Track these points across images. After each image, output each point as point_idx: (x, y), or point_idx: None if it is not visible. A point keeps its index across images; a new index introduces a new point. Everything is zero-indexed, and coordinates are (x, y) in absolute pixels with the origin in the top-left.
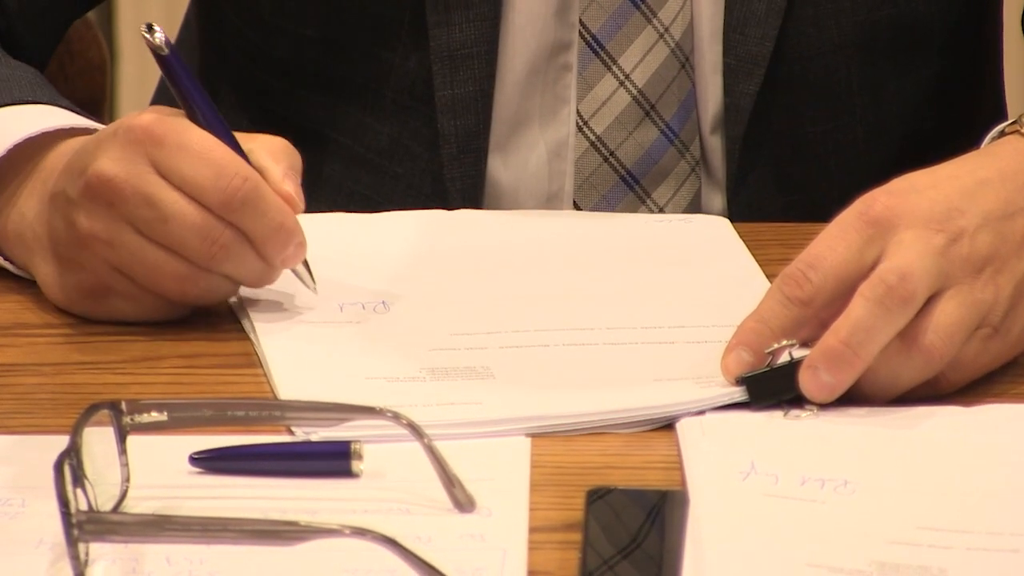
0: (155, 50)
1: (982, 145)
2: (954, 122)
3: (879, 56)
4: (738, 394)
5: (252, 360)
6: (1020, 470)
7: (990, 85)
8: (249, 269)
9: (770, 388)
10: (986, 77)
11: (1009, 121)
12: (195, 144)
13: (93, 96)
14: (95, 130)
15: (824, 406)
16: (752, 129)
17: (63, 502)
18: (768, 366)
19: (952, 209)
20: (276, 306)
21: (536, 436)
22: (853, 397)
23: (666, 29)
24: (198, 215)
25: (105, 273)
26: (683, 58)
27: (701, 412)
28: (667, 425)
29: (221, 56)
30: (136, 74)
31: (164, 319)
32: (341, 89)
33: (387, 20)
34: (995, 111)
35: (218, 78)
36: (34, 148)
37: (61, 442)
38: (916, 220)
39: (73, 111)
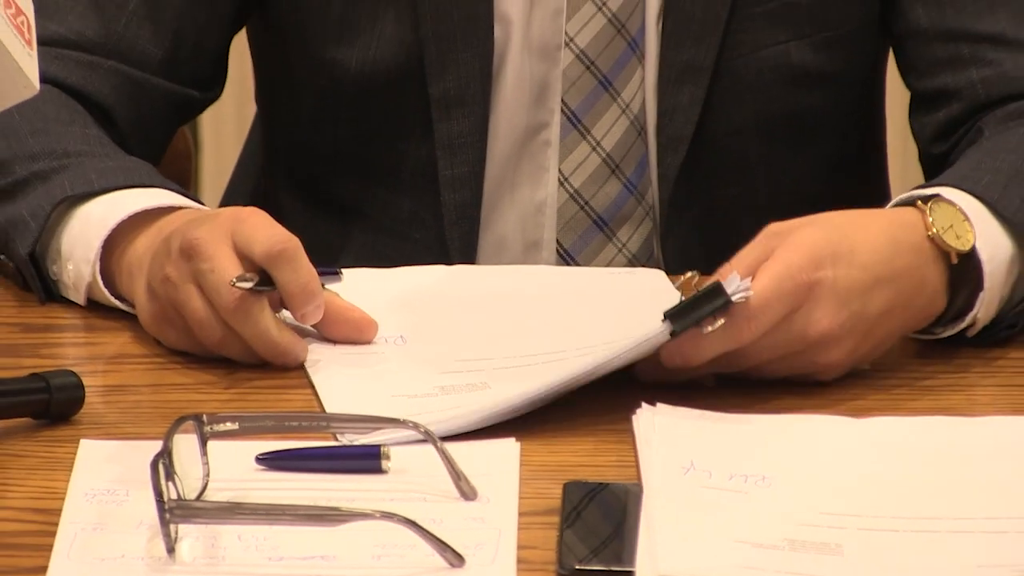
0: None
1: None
2: (845, 187)
3: (776, 138)
4: (666, 327)
5: (304, 383)
6: (896, 466)
7: (875, 160)
8: (255, 327)
9: (690, 315)
10: (872, 153)
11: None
12: (263, 219)
13: (181, 179)
14: (197, 204)
15: (746, 412)
16: (678, 191)
17: (158, 492)
18: (682, 299)
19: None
20: (320, 340)
21: (524, 440)
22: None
23: (627, 105)
24: (234, 270)
25: (167, 308)
26: (639, 128)
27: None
28: (627, 433)
29: (278, 153)
30: (214, 161)
31: (207, 355)
32: (369, 174)
33: (402, 118)
34: (879, 180)
35: (276, 170)
36: (152, 215)
37: (156, 446)
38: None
39: (184, 194)
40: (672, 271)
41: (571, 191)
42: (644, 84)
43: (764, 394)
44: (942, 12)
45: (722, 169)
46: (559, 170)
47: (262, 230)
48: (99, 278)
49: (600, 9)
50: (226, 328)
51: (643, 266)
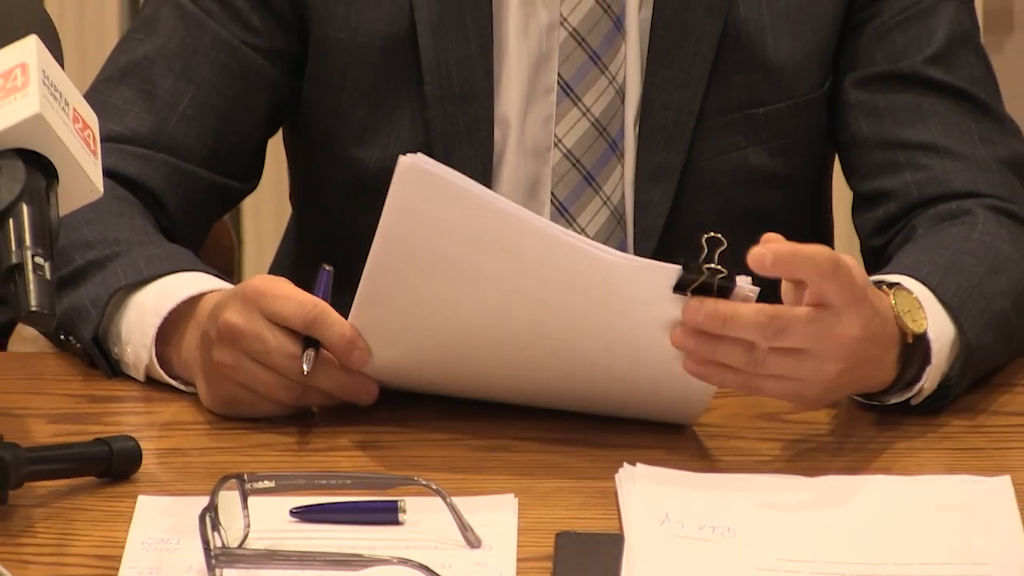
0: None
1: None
2: None
3: (737, 230)
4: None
5: (331, 445)
6: (845, 519)
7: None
8: (333, 381)
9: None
10: (820, 243)
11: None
12: (283, 291)
13: (226, 269)
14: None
15: (714, 472)
16: None
17: (205, 541)
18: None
19: None
20: None
21: (521, 496)
22: None
23: (608, 198)
24: (291, 345)
25: (233, 388)
26: (619, 217)
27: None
28: (611, 490)
29: (308, 242)
30: (255, 254)
31: (278, 415)
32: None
33: None
34: None
35: (307, 259)
36: (196, 301)
37: (204, 501)
38: None
39: (217, 276)
40: None
41: None
42: (624, 180)
43: (729, 456)
44: (881, 124)
45: (689, 254)
46: None
47: (288, 302)
48: (155, 362)
49: (584, 114)
50: (303, 385)
51: None
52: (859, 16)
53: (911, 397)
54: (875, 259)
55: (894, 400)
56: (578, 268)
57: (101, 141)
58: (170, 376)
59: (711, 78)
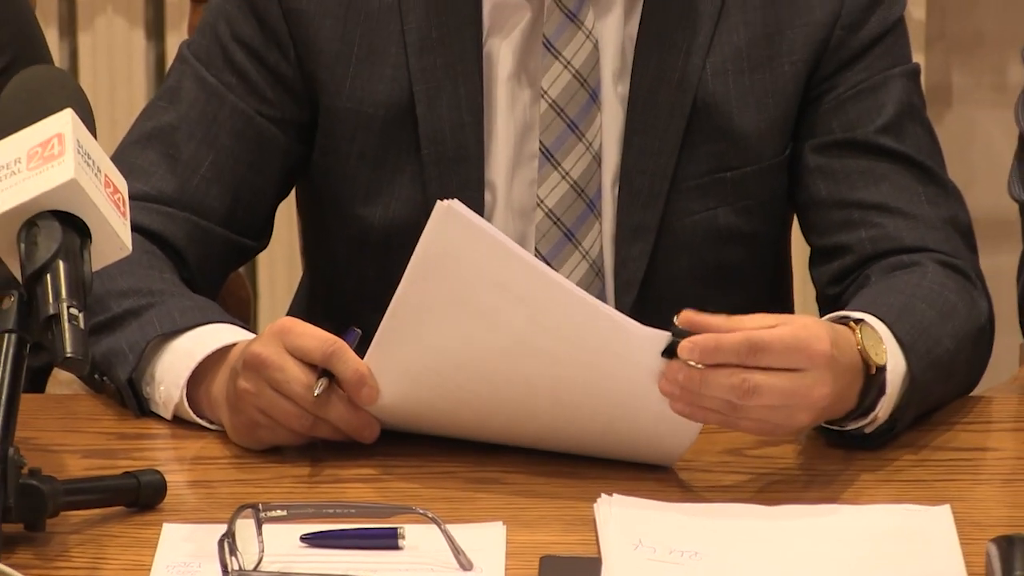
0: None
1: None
2: None
3: (708, 283)
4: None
5: (338, 478)
6: (798, 543)
7: (783, 299)
8: (340, 415)
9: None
10: (781, 293)
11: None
12: (306, 329)
13: (242, 319)
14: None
15: (682, 502)
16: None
17: (223, 565)
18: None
19: None
20: None
21: (509, 524)
22: None
23: (587, 252)
24: (307, 377)
25: (253, 414)
26: (597, 270)
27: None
28: (590, 517)
29: (318, 295)
30: (270, 306)
31: (296, 444)
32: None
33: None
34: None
35: (317, 310)
36: (227, 350)
37: (223, 529)
38: None
39: (244, 327)
40: None
41: None
42: (601, 236)
43: (697, 487)
44: (838, 186)
45: (665, 307)
46: None
47: (310, 338)
48: (185, 401)
49: (564, 178)
50: (314, 416)
51: None
52: (817, 90)
53: (866, 425)
54: (830, 307)
55: (852, 426)
56: (583, 322)
57: (129, 200)
58: (197, 415)
59: (683, 147)
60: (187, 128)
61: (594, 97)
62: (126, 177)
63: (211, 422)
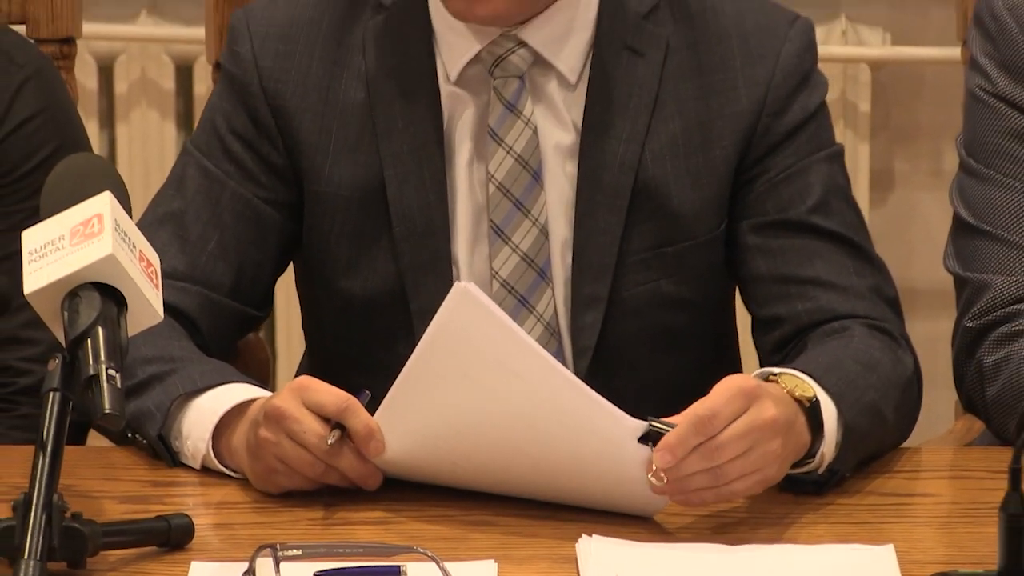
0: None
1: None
2: (708, 382)
3: (655, 347)
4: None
5: (348, 520)
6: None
7: (729, 360)
8: (349, 464)
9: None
10: (727, 354)
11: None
12: (323, 387)
13: (263, 378)
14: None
15: (655, 543)
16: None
17: None
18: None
19: None
20: None
21: (500, 562)
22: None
23: (541, 315)
24: (321, 430)
25: (272, 461)
26: (552, 331)
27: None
28: (572, 556)
29: (315, 357)
30: (287, 367)
31: (309, 489)
32: (373, 368)
33: (394, 326)
34: (733, 372)
35: (315, 371)
36: (246, 405)
37: (244, 566)
38: None
39: (258, 386)
40: None
41: None
42: (555, 300)
43: (667, 529)
44: (775, 263)
45: (617, 368)
46: None
47: (325, 394)
48: (211, 452)
49: (514, 251)
50: (326, 464)
51: None
52: (749, 173)
53: (815, 468)
54: None
55: (807, 468)
56: (572, 402)
57: None
58: (221, 464)
59: (626, 225)
60: (193, 212)
61: (536, 177)
62: None
63: (233, 470)
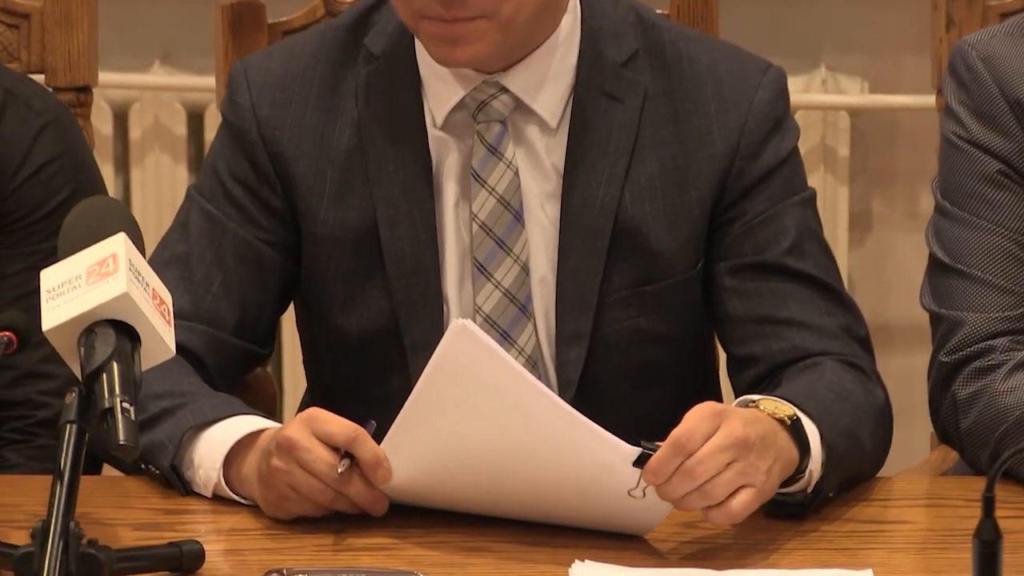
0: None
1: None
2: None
3: (636, 381)
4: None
5: (352, 547)
6: None
7: (710, 394)
8: (357, 491)
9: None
10: (707, 388)
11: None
12: (331, 416)
13: (270, 410)
14: (278, 425)
15: (644, 568)
16: None
17: None
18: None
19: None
20: None
21: None
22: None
23: (522, 349)
24: (331, 459)
25: (283, 488)
26: (533, 364)
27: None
28: None
29: (314, 391)
30: (294, 402)
31: (319, 515)
32: (369, 400)
33: (388, 360)
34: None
35: (316, 403)
36: (255, 436)
37: None
38: None
39: (264, 416)
40: None
41: None
42: (536, 334)
43: (657, 554)
44: (751, 304)
45: (600, 401)
46: None
47: (334, 425)
48: (222, 481)
49: (496, 287)
50: (335, 491)
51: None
52: (725, 216)
53: (806, 487)
54: None
55: (797, 486)
56: (567, 430)
57: None
58: (232, 491)
59: (607, 264)
60: (197, 254)
61: (518, 217)
62: None
63: (244, 497)
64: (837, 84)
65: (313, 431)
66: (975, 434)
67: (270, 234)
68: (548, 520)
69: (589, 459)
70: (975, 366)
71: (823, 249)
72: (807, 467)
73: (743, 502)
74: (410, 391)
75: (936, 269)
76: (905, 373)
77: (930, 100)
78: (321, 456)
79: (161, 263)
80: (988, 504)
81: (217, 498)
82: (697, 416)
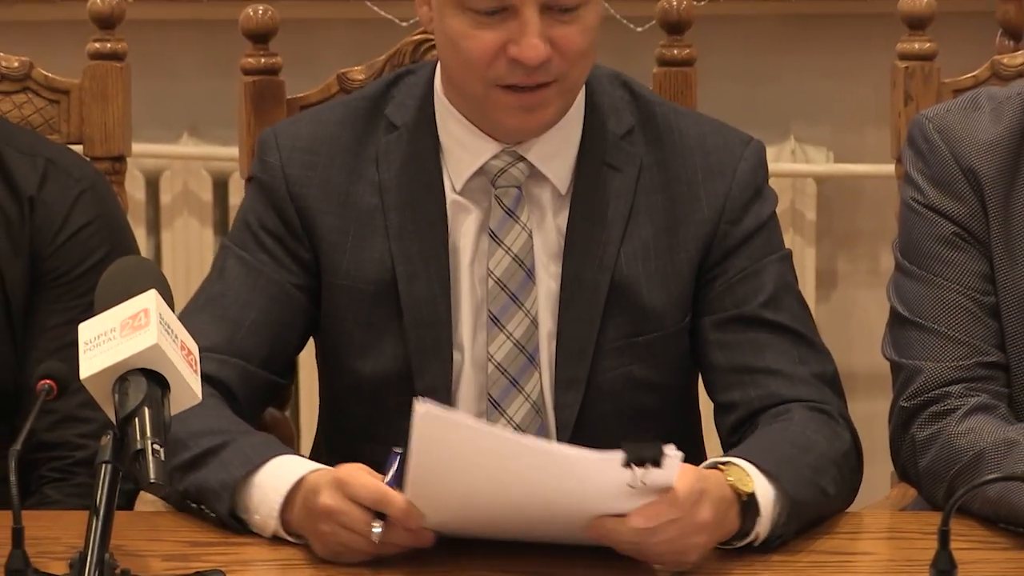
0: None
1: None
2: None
3: (628, 424)
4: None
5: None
6: None
7: (692, 436)
8: (400, 537)
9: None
10: (690, 431)
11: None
12: (360, 480)
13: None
14: (316, 465)
15: None
16: None
17: None
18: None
19: None
20: None
21: None
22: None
23: (528, 395)
24: (368, 517)
25: (334, 546)
26: (538, 409)
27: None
28: None
29: (328, 432)
30: (309, 442)
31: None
32: (379, 440)
33: (401, 403)
34: (697, 448)
35: (329, 444)
36: (300, 482)
37: None
38: None
39: (302, 456)
40: None
41: None
42: (541, 382)
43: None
44: (732, 355)
45: (595, 442)
46: None
47: (361, 489)
48: (280, 527)
49: (508, 338)
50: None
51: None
52: (710, 273)
53: (751, 542)
54: (731, 448)
55: (740, 544)
56: (550, 465)
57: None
58: (287, 533)
59: (603, 317)
60: (232, 294)
61: (530, 275)
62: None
63: (299, 537)
64: (805, 154)
65: (345, 495)
66: (932, 473)
67: (298, 279)
68: (575, 542)
69: (586, 481)
70: (932, 411)
71: (798, 301)
72: (751, 530)
73: (664, 555)
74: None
75: (896, 322)
76: (867, 417)
77: (890, 168)
78: (358, 517)
79: (199, 304)
80: (944, 537)
81: (240, 532)
82: (688, 485)
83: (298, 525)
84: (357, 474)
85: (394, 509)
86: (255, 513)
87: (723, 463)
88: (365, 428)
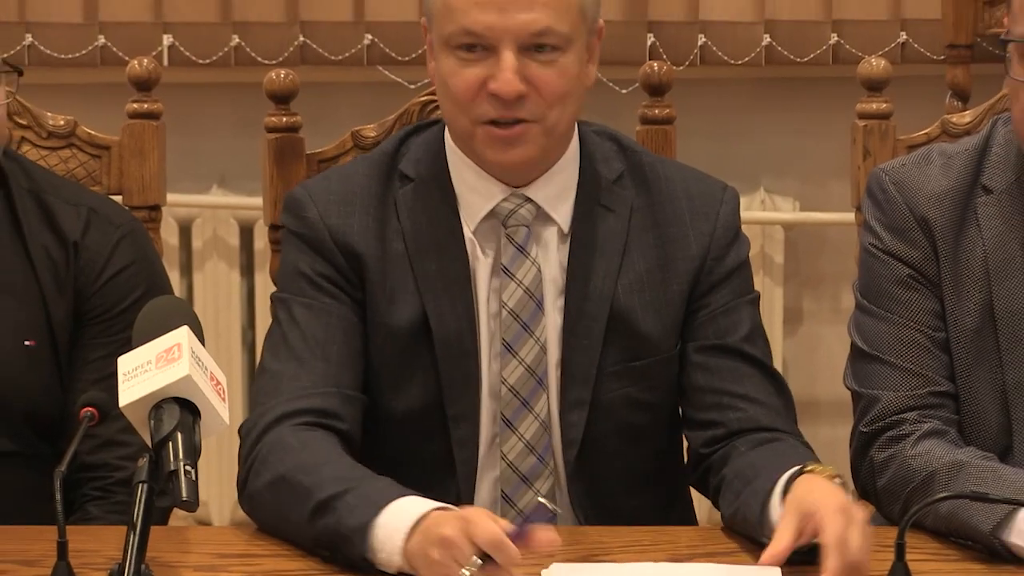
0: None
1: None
2: (663, 465)
3: (624, 440)
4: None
5: None
6: None
7: (678, 450)
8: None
9: None
10: (677, 446)
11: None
12: (482, 521)
13: None
14: (434, 503)
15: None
16: (572, 468)
17: None
18: None
19: None
20: None
21: None
22: None
23: (537, 414)
24: (471, 552)
25: (436, 570)
26: (546, 427)
27: None
28: None
29: (371, 455)
30: None
31: None
32: (416, 464)
33: (433, 431)
34: (678, 460)
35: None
36: (421, 520)
37: None
38: None
39: (415, 494)
40: (577, 508)
41: (508, 462)
42: (549, 403)
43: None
44: (712, 378)
45: (597, 456)
46: (501, 450)
47: (482, 530)
48: (405, 563)
49: (520, 363)
50: None
51: (555, 504)
52: (696, 304)
53: None
54: (697, 460)
55: None
56: None
57: (298, 393)
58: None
59: (604, 344)
60: (311, 337)
61: (539, 306)
62: (286, 385)
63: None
64: (774, 203)
65: (466, 532)
66: (889, 491)
67: (356, 314)
68: None
69: None
70: (889, 435)
71: (766, 343)
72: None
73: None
74: (449, 454)
75: (857, 356)
76: (831, 441)
77: (851, 217)
78: (469, 553)
79: (282, 355)
80: (900, 550)
81: (264, 549)
82: (837, 525)
83: (411, 550)
84: (482, 516)
85: (503, 558)
86: (379, 551)
87: (801, 470)
88: (402, 451)
